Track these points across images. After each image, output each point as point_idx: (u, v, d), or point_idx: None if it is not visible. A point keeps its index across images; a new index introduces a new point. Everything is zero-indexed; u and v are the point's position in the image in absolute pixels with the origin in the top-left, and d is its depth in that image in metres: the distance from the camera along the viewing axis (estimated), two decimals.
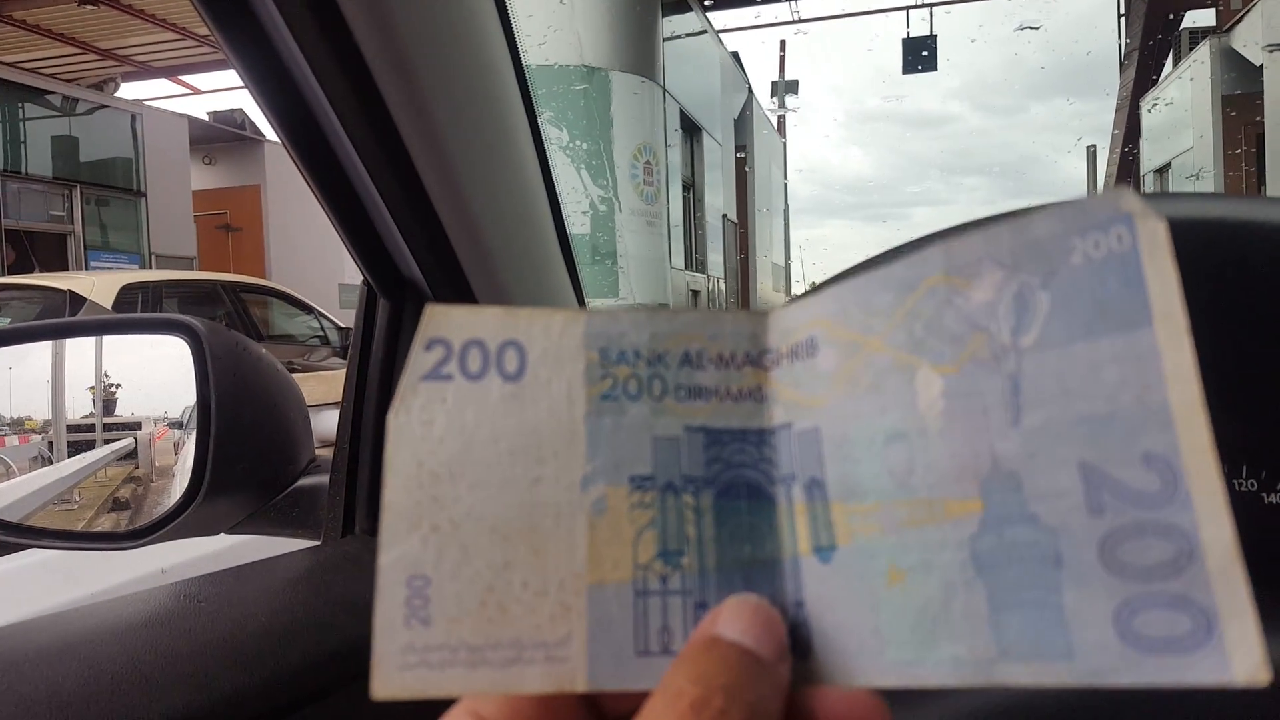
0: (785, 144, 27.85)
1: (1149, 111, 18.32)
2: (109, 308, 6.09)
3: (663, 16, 13.48)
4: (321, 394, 2.46)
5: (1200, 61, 15.44)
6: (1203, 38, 15.94)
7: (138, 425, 0.81)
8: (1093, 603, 0.22)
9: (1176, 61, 17.37)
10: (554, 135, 11.02)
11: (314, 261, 14.19)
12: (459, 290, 0.73)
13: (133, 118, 13.51)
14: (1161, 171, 17.51)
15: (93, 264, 12.42)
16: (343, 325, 7.47)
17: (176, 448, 0.78)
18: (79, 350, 0.83)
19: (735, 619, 0.26)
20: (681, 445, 0.27)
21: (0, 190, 11.41)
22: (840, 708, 0.25)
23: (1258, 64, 13.76)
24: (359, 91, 0.59)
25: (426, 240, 0.69)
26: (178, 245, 13.93)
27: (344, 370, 0.81)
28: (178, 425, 0.78)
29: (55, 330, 0.90)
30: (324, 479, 0.79)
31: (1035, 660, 0.23)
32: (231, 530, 0.77)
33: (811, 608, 0.26)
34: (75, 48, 12.91)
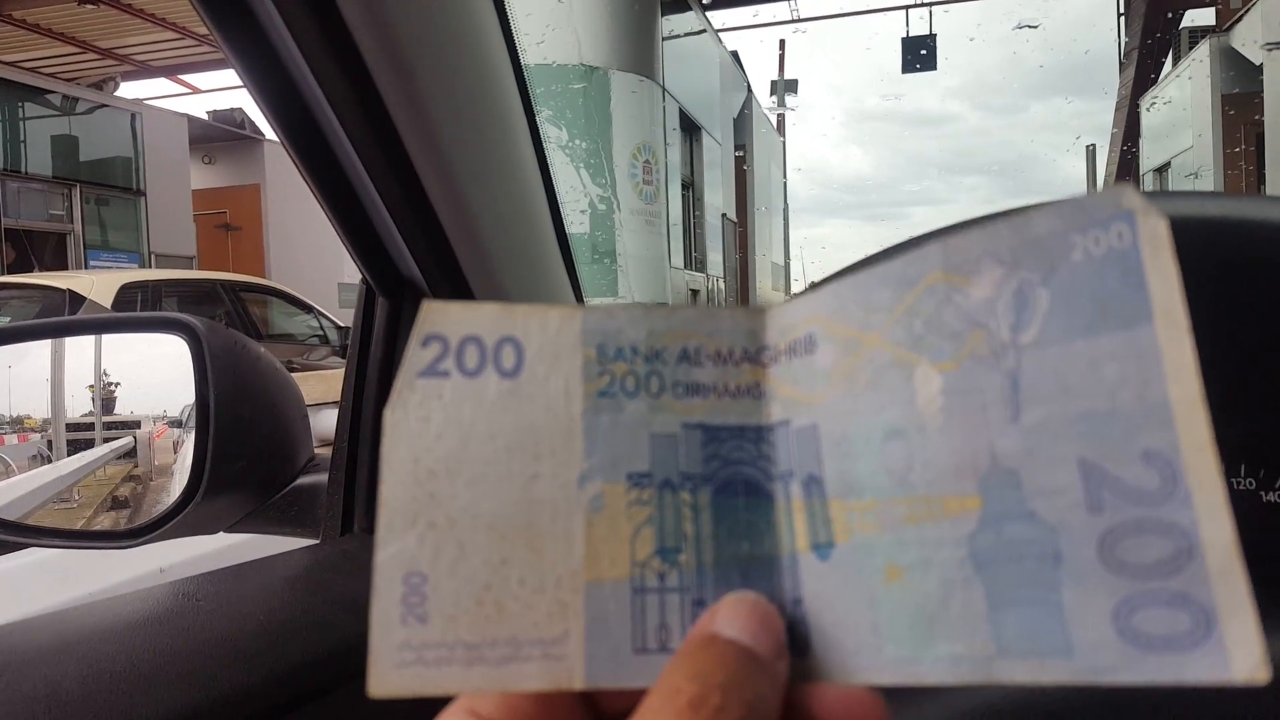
0: (784, 143, 27.85)
1: (1148, 110, 18.33)
2: (108, 307, 6.09)
3: (662, 15, 13.47)
4: (321, 393, 2.45)
5: (1199, 60, 15.44)
6: (1202, 36, 15.95)
7: (137, 424, 0.81)
8: (1092, 600, 0.22)
9: (1176, 60, 17.38)
10: (553, 134, 11.02)
11: (313, 261, 14.19)
12: (458, 289, 0.73)
13: (132, 117, 13.50)
14: (1161, 170, 17.51)
15: (92, 263, 12.42)
16: (342, 324, 7.47)
17: (176, 446, 0.78)
18: (78, 349, 0.83)
19: (733, 616, 0.25)
20: (679, 442, 0.27)
21: (0, 189, 11.40)
22: (838, 705, 0.25)
23: (1257, 63, 13.76)
24: (358, 91, 0.59)
25: (425, 239, 0.69)
26: (177, 244, 13.93)
27: (343, 369, 0.81)
28: (177, 424, 0.78)
29: (54, 329, 0.90)
30: (323, 478, 0.79)
31: (1034, 658, 0.23)
32: (230, 529, 0.77)
33: (810, 605, 0.26)
34: (75, 47, 12.91)
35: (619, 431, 0.27)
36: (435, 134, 0.64)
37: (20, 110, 12.03)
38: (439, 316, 0.27)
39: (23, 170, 11.88)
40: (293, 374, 0.83)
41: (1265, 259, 0.57)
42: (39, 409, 0.82)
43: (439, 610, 0.26)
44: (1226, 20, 15.32)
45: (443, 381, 0.27)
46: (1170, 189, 14.05)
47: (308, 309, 7.69)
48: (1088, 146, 19.40)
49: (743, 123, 20.85)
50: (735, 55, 20.30)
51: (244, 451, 0.72)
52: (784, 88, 27.66)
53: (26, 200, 11.95)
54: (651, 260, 12.78)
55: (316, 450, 0.83)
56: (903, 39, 19.11)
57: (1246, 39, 14.19)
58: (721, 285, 18.08)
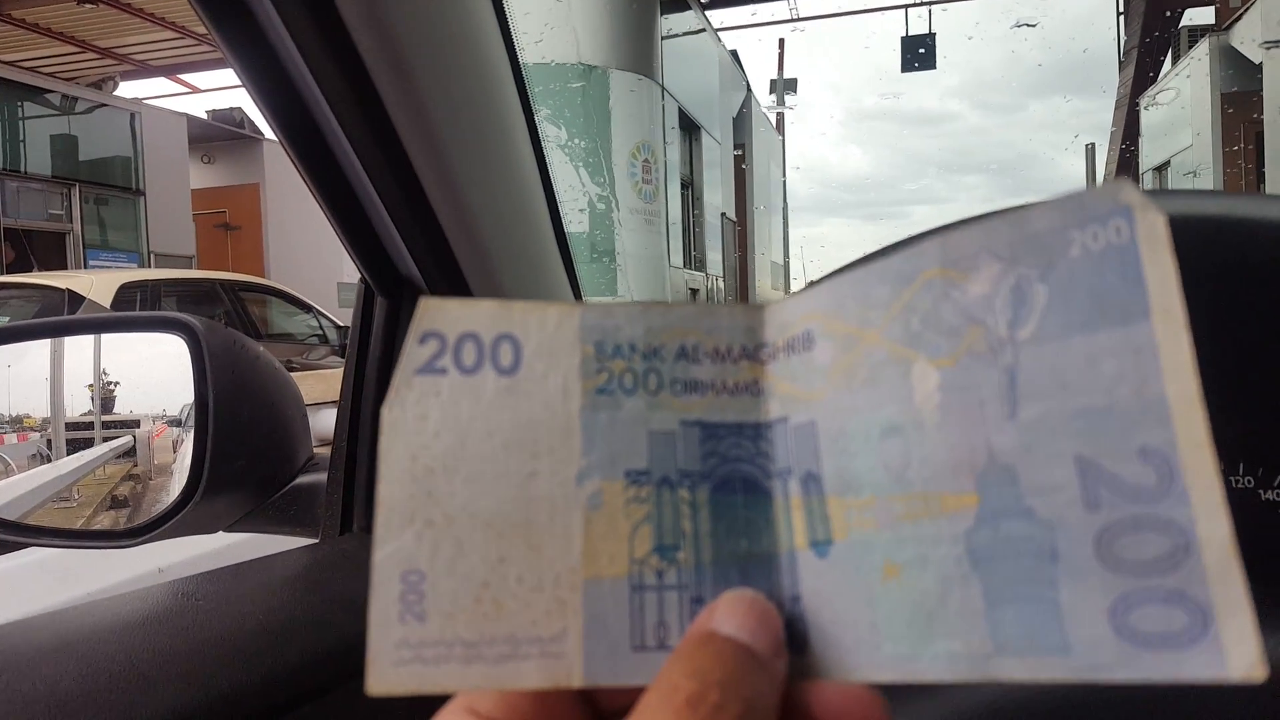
0: (783, 142, 27.83)
1: (1147, 109, 18.32)
2: (107, 306, 6.09)
3: (661, 14, 13.46)
4: (320, 392, 2.46)
5: (1199, 59, 15.43)
6: (1201, 35, 15.95)
7: (136, 423, 0.81)
8: (1088, 598, 0.22)
9: (1175, 59, 17.37)
10: (552, 133, 11.02)
11: (312, 260, 14.18)
12: (456, 288, 0.73)
13: (131, 116, 13.49)
14: (1160, 169, 17.51)
15: (91, 262, 12.42)
16: (341, 324, 7.46)
17: (175, 445, 0.78)
18: (77, 348, 0.83)
19: (731, 614, 0.25)
20: (677, 439, 0.27)
21: None
22: (837, 702, 0.25)
23: (1256, 61, 13.75)
24: (356, 90, 0.59)
25: (424, 239, 0.69)
26: (176, 244, 13.92)
27: (342, 369, 0.81)
28: (176, 423, 0.78)
29: (54, 328, 0.90)
30: (322, 477, 0.79)
31: (1031, 655, 0.23)
32: (230, 528, 0.77)
33: (808, 602, 0.26)
34: (74, 46, 12.89)
35: (617, 429, 0.27)
36: (434, 133, 0.64)
37: (19, 110, 12.03)
38: (436, 314, 0.27)
39: (22, 170, 11.87)
40: (292, 373, 0.83)
41: (1265, 257, 0.57)
42: (38, 408, 0.82)
43: (437, 608, 0.25)
44: (1226, 19, 15.32)
45: (440, 379, 0.27)
46: (1169, 187, 14.04)
47: (307, 308, 7.68)
48: (1087, 145, 19.41)
49: (742, 122, 20.83)
50: (734, 54, 20.28)
51: (243, 451, 0.72)
52: (783, 87, 27.64)
53: (26, 200, 11.94)
54: (651, 259, 12.78)
55: (315, 449, 0.84)
56: (902, 38, 19.09)
57: (1246, 37, 14.19)
58: (721, 284, 18.08)
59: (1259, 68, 13.68)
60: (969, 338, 0.24)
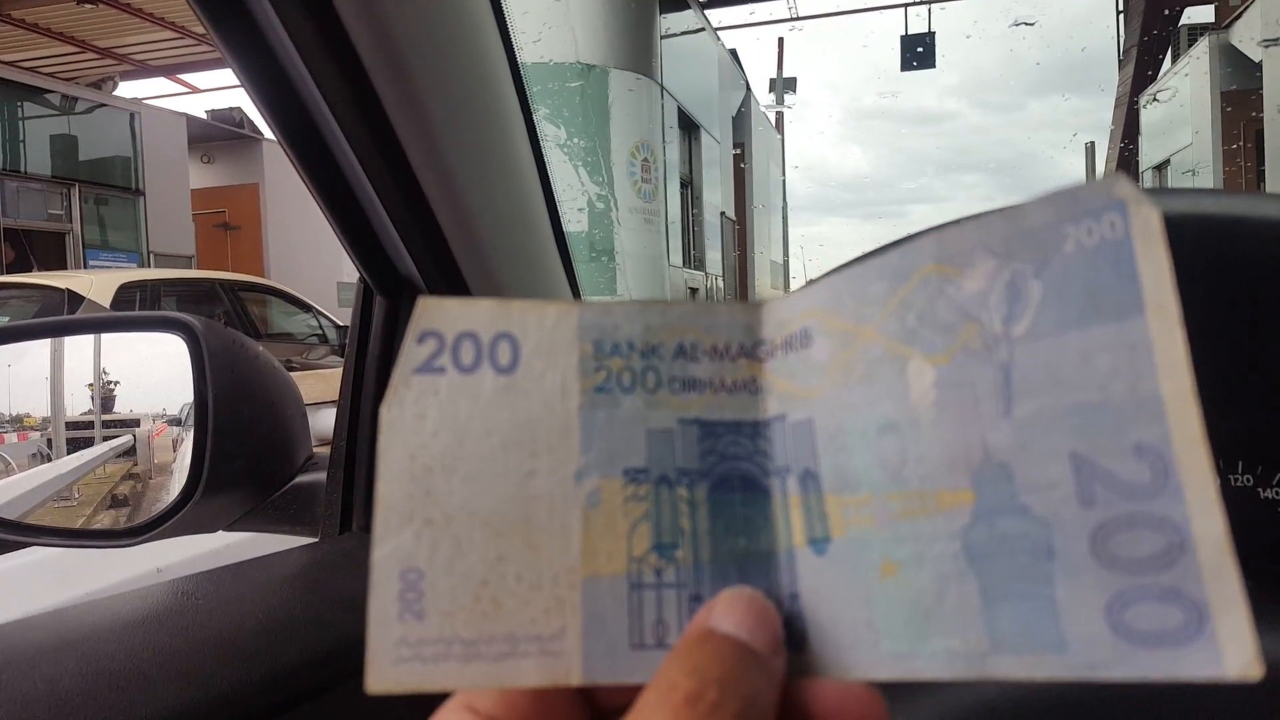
0: (783, 141, 27.80)
1: (1147, 107, 18.31)
2: (107, 306, 6.09)
3: (659, 13, 13.44)
4: (319, 392, 2.46)
5: (1198, 57, 15.42)
6: (1201, 34, 15.93)
7: (136, 422, 0.81)
8: (1084, 595, 0.22)
9: (1175, 57, 17.36)
10: (550, 132, 11.00)
11: (312, 260, 14.17)
12: (455, 288, 0.73)
13: (131, 116, 13.49)
14: (1160, 168, 17.50)
15: (91, 262, 12.41)
16: (341, 323, 7.46)
17: (175, 445, 0.78)
18: (77, 348, 0.83)
19: (730, 612, 0.25)
20: (676, 438, 0.27)
21: None
22: (835, 700, 0.25)
23: (1256, 60, 13.75)
24: (355, 90, 0.59)
25: (423, 238, 0.69)
26: (176, 244, 13.92)
27: (341, 368, 0.81)
28: (176, 422, 0.78)
29: (54, 328, 0.90)
30: (321, 476, 0.79)
31: (1027, 653, 0.23)
32: (229, 527, 0.77)
33: (806, 600, 0.26)
34: (73, 46, 12.87)
35: (615, 427, 0.27)
36: (433, 133, 0.65)
37: (19, 110, 12.02)
38: (434, 313, 0.27)
39: (22, 170, 11.86)
40: (291, 373, 0.83)
41: (1265, 255, 0.57)
42: (38, 407, 0.82)
43: (436, 607, 0.25)
44: (1225, 17, 15.31)
45: (438, 378, 0.27)
46: (1169, 186, 14.03)
47: (306, 308, 7.68)
48: (1086, 144, 19.41)
49: (741, 121, 20.81)
50: (734, 53, 20.26)
51: (243, 450, 0.72)
52: (782, 86, 27.60)
53: (25, 200, 11.94)
54: (650, 258, 12.77)
55: (315, 449, 0.84)
56: (901, 37, 19.06)
57: (1245, 36, 14.18)
58: (720, 283, 18.07)
59: (1259, 66, 13.67)
60: (964, 334, 0.24)
